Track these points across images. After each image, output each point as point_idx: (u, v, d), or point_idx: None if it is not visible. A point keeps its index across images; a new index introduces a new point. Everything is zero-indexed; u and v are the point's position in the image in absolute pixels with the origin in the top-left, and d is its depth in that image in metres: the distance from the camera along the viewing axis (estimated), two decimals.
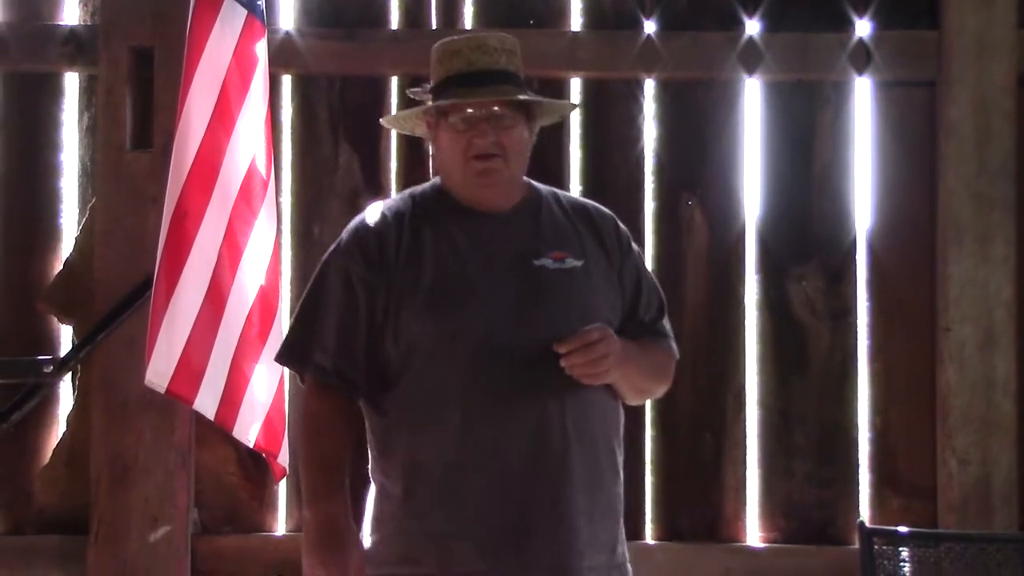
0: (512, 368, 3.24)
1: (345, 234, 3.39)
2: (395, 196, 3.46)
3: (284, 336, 3.39)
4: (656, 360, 3.46)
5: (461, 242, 3.34)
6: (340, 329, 3.32)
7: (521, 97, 3.32)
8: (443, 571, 3.23)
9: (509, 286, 3.30)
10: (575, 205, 3.48)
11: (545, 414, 3.25)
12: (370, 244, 3.33)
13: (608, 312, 3.35)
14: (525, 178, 3.42)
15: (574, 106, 3.76)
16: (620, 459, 3.40)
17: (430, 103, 3.35)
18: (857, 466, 4.61)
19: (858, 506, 4.59)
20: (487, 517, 3.22)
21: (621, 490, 3.39)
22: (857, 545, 4.19)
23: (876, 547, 4.08)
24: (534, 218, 3.40)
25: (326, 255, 3.39)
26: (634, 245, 3.48)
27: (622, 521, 3.38)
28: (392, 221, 3.36)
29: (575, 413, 3.28)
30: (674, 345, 3.52)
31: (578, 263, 3.36)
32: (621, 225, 3.48)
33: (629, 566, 3.39)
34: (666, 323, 3.51)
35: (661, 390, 3.54)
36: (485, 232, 3.35)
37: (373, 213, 3.40)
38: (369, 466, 3.35)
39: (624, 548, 3.39)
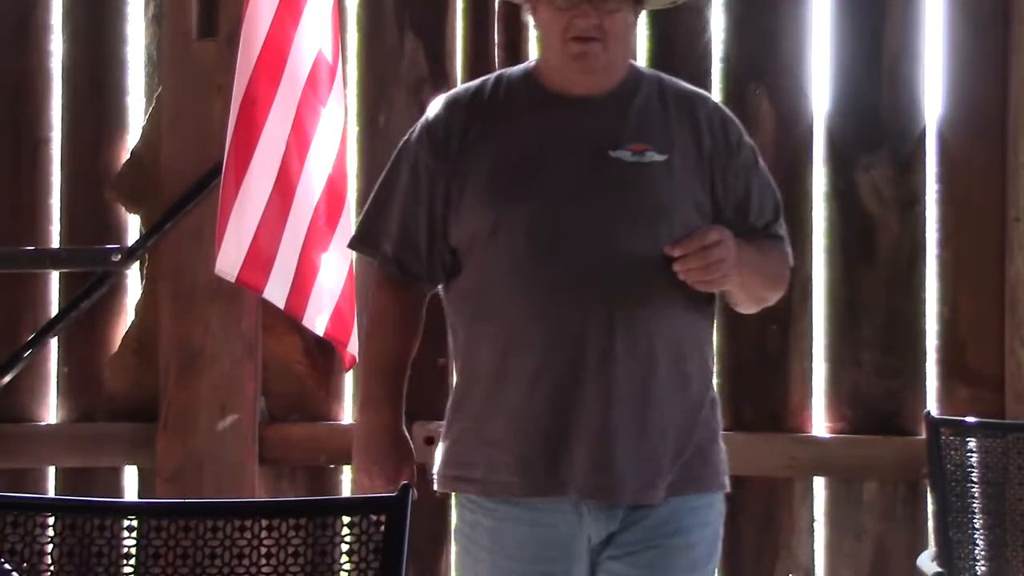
0: (561, 267, 3.07)
1: (422, 117, 3.26)
2: (485, 76, 3.31)
3: (358, 221, 3.34)
4: (773, 265, 3.26)
5: (535, 128, 3.15)
6: (403, 219, 3.22)
7: None
8: (488, 479, 3.14)
9: (576, 177, 3.11)
10: (679, 94, 3.24)
11: (588, 320, 3.06)
12: (439, 130, 3.20)
13: (688, 213, 3.12)
14: (631, 62, 3.22)
15: None
16: (700, 374, 3.17)
17: None
18: (924, 356, 4.59)
19: (925, 396, 4.57)
20: (526, 428, 3.10)
21: (697, 408, 3.16)
22: (924, 435, 4.19)
23: (943, 437, 4.08)
24: (625, 106, 3.16)
25: (403, 139, 3.29)
26: (747, 143, 3.25)
27: (697, 439, 3.15)
28: (464, 105, 3.22)
29: (628, 322, 3.07)
30: (789, 250, 3.30)
31: (661, 157, 3.12)
32: (732, 121, 3.25)
33: (718, 481, 3.18)
34: (781, 227, 3.28)
35: (775, 297, 3.33)
36: (565, 118, 3.15)
37: (449, 96, 3.27)
38: None
39: (701, 466, 3.15)
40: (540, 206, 3.10)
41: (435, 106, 3.26)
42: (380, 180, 3.29)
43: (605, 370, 3.07)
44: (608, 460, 3.08)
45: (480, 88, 3.25)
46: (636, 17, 3.17)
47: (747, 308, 3.30)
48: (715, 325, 3.17)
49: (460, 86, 3.33)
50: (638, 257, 3.07)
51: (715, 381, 4.53)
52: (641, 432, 3.10)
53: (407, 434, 3.26)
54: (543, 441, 3.09)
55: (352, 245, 3.37)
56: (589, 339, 3.07)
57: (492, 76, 3.28)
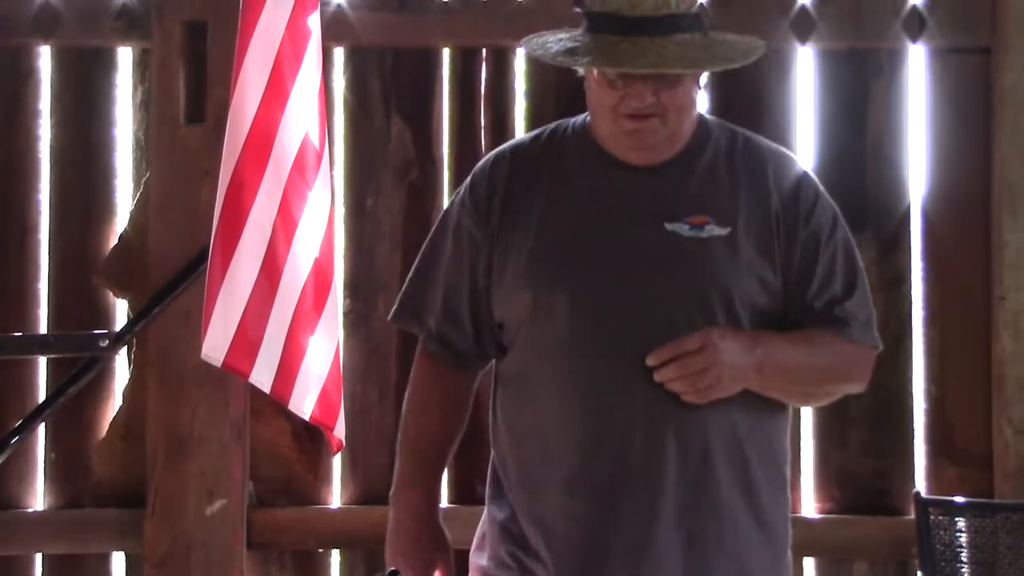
0: (601, 359, 2.73)
1: (471, 175, 2.96)
2: (542, 128, 2.98)
3: (401, 292, 3.05)
4: (820, 357, 2.86)
5: (583, 196, 2.81)
6: (446, 291, 2.92)
7: (685, 71, 2.72)
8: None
9: (626, 254, 2.77)
10: (752, 154, 2.87)
11: (631, 423, 2.74)
12: (482, 190, 2.89)
13: (752, 293, 2.79)
14: (700, 115, 2.88)
15: (759, 51, 2.86)
16: (768, 479, 2.82)
17: (573, 50, 2.76)
18: (912, 435, 4.58)
19: (914, 476, 4.56)
20: (557, 542, 2.78)
21: (763, 520, 2.82)
22: (913, 515, 4.18)
23: (932, 517, 4.08)
24: (687, 171, 2.81)
25: (451, 199, 3.00)
26: (823, 210, 2.87)
27: (761, 556, 2.83)
28: (512, 159, 2.89)
29: (678, 424, 2.74)
30: (865, 332, 2.91)
31: (722, 232, 2.77)
32: (807, 185, 2.86)
33: None
34: (852, 306, 2.87)
35: (845, 389, 2.96)
36: (619, 186, 2.80)
37: (500, 149, 2.96)
38: None
39: None
40: (581, 290, 2.78)
41: (483, 162, 2.97)
42: (424, 245, 3.02)
43: (651, 480, 2.75)
44: None
45: (534, 140, 2.94)
46: (699, 82, 2.83)
47: (802, 405, 3.01)
48: None
49: (518, 137, 3.04)
50: None
51: None
52: (694, 551, 2.77)
53: (442, 525, 2.96)
54: (574, 558, 2.77)
55: (395, 318, 3.04)
56: (632, 445, 2.75)
57: (551, 126, 2.96)
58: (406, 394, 3.01)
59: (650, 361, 2.72)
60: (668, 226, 2.78)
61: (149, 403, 4.50)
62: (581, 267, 2.79)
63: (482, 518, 2.98)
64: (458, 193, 2.98)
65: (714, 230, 2.78)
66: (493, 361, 2.99)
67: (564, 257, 2.80)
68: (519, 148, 2.94)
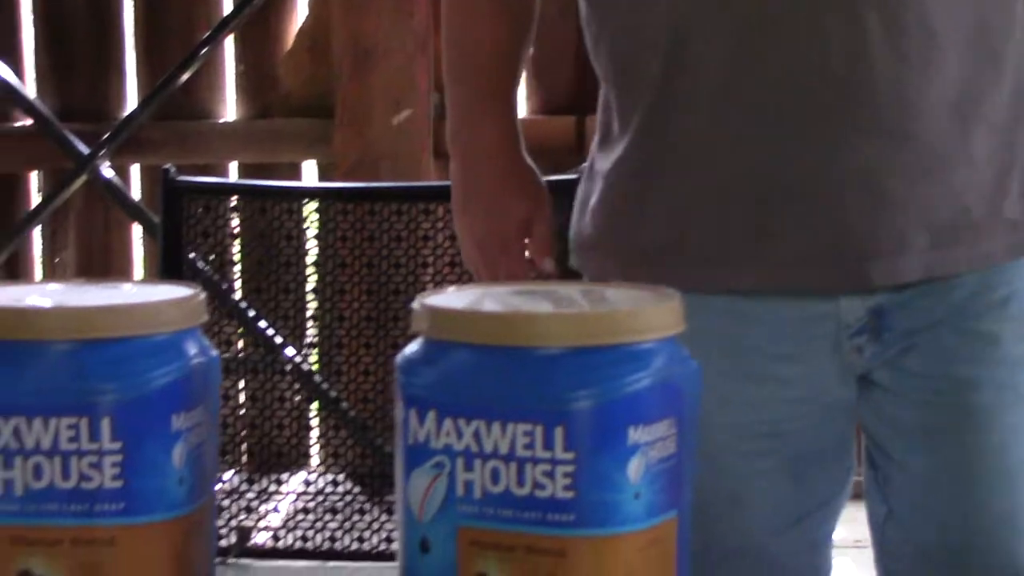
0: None
1: None
2: None
3: None
4: None
5: None
6: None
7: None
8: (675, 259, 1.85)
9: None
10: None
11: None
12: None
13: None
14: None
15: None
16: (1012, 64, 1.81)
17: None
18: None
19: None
20: (711, 177, 1.82)
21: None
22: None
23: None
24: None
25: None
26: None
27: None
28: None
29: (898, 5, 1.72)
30: None
31: None
32: None
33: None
34: None
35: None
36: None
37: None
38: None
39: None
40: None
41: None
42: None
43: (849, 75, 1.76)
44: (869, 222, 1.79)
45: None
46: None
47: None
48: None
49: None
50: None
51: None
52: (921, 168, 1.79)
53: (528, 161, 2.05)
54: (739, 197, 1.82)
55: None
56: (816, 27, 1.76)
57: None
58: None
59: None
60: None
61: (333, 15, 4.51)
62: None
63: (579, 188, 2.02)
64: None
65: None
66: None
67: None
68: None
